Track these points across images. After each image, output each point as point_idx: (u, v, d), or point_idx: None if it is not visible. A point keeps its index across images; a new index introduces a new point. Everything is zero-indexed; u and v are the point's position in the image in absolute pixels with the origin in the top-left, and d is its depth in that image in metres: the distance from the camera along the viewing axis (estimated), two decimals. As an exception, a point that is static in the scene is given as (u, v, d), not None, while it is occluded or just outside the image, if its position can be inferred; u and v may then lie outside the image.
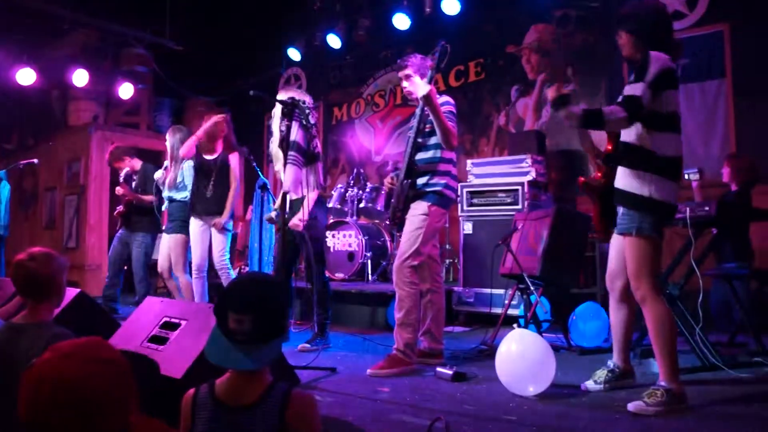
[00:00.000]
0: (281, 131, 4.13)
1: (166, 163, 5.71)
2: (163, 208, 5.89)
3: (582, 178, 3.34)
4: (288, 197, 3.95)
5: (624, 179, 2.98)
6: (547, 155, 6.59)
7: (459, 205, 6.16)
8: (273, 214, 4.42)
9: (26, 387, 1.36)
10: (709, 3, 6.13)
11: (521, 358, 3.08)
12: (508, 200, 5.77)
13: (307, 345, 4.52)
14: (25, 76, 8.02)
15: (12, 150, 9.76)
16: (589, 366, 3.80)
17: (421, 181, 3.93)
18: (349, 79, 9.25)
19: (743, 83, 5.92)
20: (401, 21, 7.85)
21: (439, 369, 3.61)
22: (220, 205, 5.25)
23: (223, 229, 5.22)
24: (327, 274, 7.28)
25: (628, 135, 3.01)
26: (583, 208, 6.19)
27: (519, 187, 5.71)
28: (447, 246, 7.16)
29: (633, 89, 2.83)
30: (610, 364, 3.30)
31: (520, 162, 5.87)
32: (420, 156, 3.96)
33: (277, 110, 4.31)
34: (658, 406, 2.78)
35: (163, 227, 6.16)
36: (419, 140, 3.95)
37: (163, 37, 8.78)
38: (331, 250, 7.45)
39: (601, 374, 3.27)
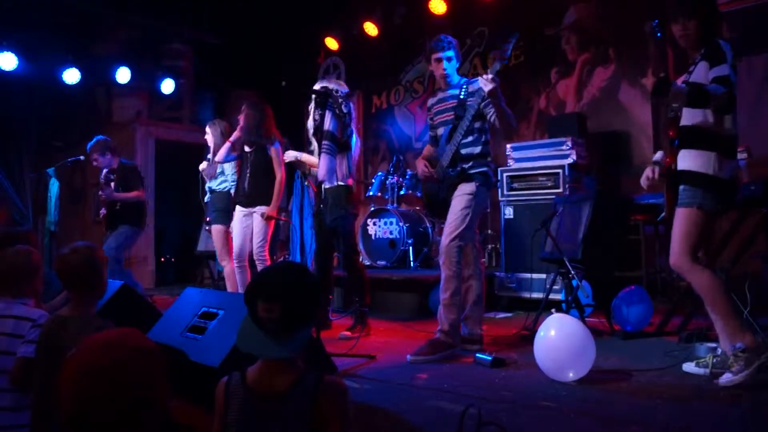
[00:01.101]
0: (315, 120, 4.15)
1: (209, 156, 5.79)
2: (206, 199, 5.97)
3: (661, 171, 3.29)
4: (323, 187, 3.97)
5: (688, 160, 3.01)
6: (588, 137, 6.47)
7: (499, 190, 6.10)
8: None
9: (64, 376, 1.40)
10: (758, -26, 5.89)
11: (560, 343, 3.04)
12: (549, 184, 5.68)
13: (347, 333, 4.55)
14: (71, 75, 8.24)
15: (60, 147, 10.01)
16: (634, 351, 3.75)
17: (465, 166, 3.93)
18: (387, 66, 9.21)
19: (794, 57, 5.69)
20: (437, 6, 7.77)
21: (478, 355, 3.59)
22: (257, 195, 5.27)
23: (267, 218, 5.22)
24: (368, 261, 7.39)
25: (692, 118, 3.04)
26: (627, 190, 6.08)
27: (559, 171, 5.62)
28: (489, 231, 7.11)
29: (721, 70, 2.89)
30: (718, 348, 3.10)
31: (560, 145, 5.78)
32: (463, 142, 3.94)
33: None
34: (742, 370, 2.78)
35: (207, 219, 6.26)
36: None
37: (203, 30, 8.89)
38: (373, 237, 7.47)
39: (708, 360, 3.07)
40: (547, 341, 3.09)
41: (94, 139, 6.14)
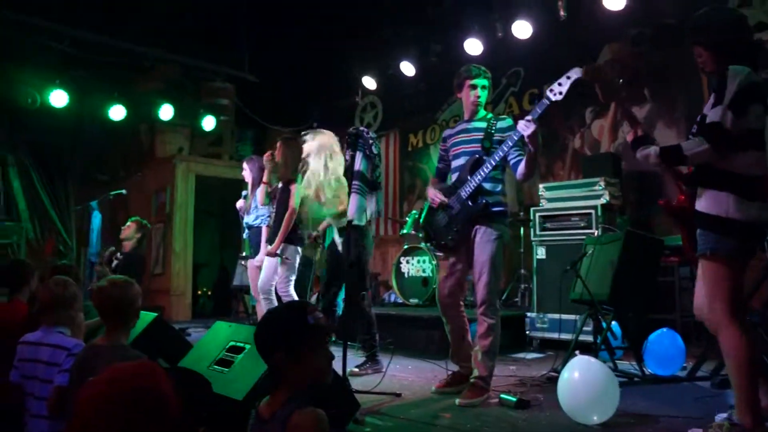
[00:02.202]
0: (346, 160, 4.25)
1: (245, 192, 5.93)
2: (244, 236, 6.08)
3: (662, 201, 3.20)
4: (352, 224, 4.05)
5: (702, 200, 2.79)
6: (623, 177, 6.44)
7: (532, 230, 6.09)
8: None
9: (77, 404, 1.47)
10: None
11: (584, 385, 3.02)
12: (582, 224, 5.66)
13: (356, 369, 4.60)
14: (117, 112, 8.58)
15: (105, 181, 10.39)
16: (662, 396, 3.69)
17: (487, 200, 3.84)
18: (423, 105, 9.33)
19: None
20: (473, 46, 7.86)
21: (503, 396, 3.57)
22: (274, 234, 5.37)
23: (274, 256, 5.29)
24: (401, 299, 7.42)
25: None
26: (662, 231, 6.02)
27: (592, 211, 5.60)
28: (522, 271, 7.08)
29: (714, 114, 2.66)
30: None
31: (593, 185, 5.76)
32: (489, 176, 3.87)
33: (310, 146, 4.54)
34: None
35: (242, 254, 6.38)
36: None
37: (242, 69, 9.17)
38: (406, 275, 7.51)
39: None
40: (570, 383, 3.07)
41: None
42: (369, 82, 9.25)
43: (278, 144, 5.50)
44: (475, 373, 3.76)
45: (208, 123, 9.28)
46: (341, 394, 2.97)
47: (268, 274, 5.33)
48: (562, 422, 3.09)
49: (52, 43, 7.53)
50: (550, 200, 6.05)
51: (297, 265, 5.36)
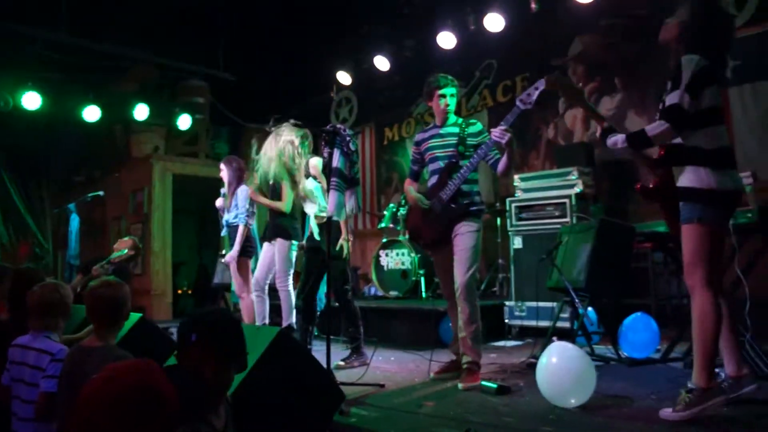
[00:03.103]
0: (324, 158, 4.32)
1: (223, 191, 5.96)
2: (222, 233, 6.10)
3: (638, 185, 3.36)
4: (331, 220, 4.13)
5: (684, 177, 3.02)
6: (597, 166, 6.57)
7: (508, 220, 6.20)
8: None
9: (78, 403, 1.52)
10: (760, 1, 5.97)
11: (561, 370, 3.12)
12: (557, 213, 5.78)
13: (341, 362, 4.68)
14: (91, 113, 8.51)
15: (81, 182, 10.30)
16: (638, 377, 3.81)
17: (466, 201, 4.08)
18: (398, 99, 9.38)
19: (799, 83, 5.76)
20: (446, 39, 7.93)
21: (484, 383, 3.67)
22: (275, 229, 5.41)
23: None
24: (381, 292, 7.51)
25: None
26: (636, 218, 6.16)
27: (566, 200, 5.72)
28: (500, 261, 7.19)
29: (672, 98, 2.92)
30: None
31: (567, 175, 5.89)
32: (467, 178, 4.09)
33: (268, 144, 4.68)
34: (684, 410, 2.81)
35: (222, 252, 6.40)
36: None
37: (218, 68, 9.16)
38: (385, 268, 7.59)
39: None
40: (548, 368, 3.17)
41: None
42: (343, 77, 9.28)
43: (253, 141, 5.58)
44: (467, 358, 3.92)
45: (184, 122, 9.25)
46: (326, 386, 3.04)
47: (262, 271, 5.40)
48: (542, 406, 3.19)
49: (25, 45, 7.47)
50: (525, 191, 6.16)
51: (294, 259, 5.41)
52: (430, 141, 4.29)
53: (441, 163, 4.18)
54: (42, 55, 7.65)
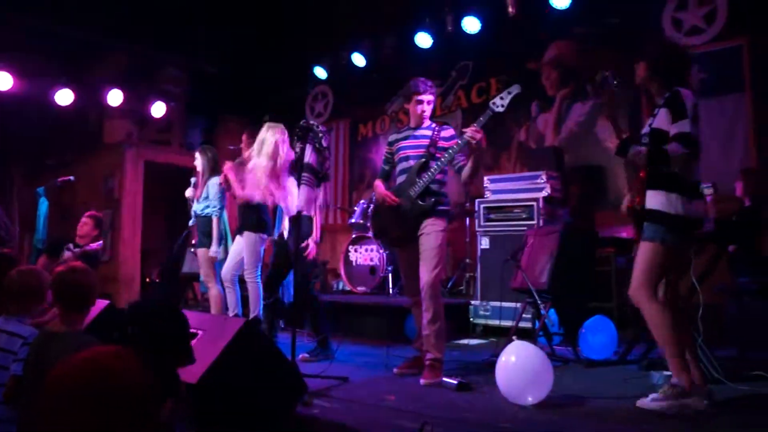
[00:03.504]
0: (295, 152, 4.37)
1: (194, 180, 5.95)
2: (190, 223, 6.10)
3: (629, 205, 3.45)
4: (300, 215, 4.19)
5: (653, 200, 3.16)
6: (566, 171, 6.70)
7: (476, 220, 6.31)
8: None
9: (47, 387, 1.55)
10: (728, 17, 6.13)
11: (519, 368, 3.22)
12: (524, 216, 5.90)
13: (307, 355, 4.77)
14: (64, 97, 8.40)
15: (52, 165, 10.15)
16: (595, 378, 3.94)
17: (434, 200, 4.16)
18: (374, 96, 9.42)
19: (763, 97, 5.93)
20: (424, 39, 8.02)
21: (445, 379, 3.76)
22: (244, 221, 5.42)
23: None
24: (349, 287, 7.58)
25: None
26: (604, 223, 6.30)
27: (534, 203, 5.84)
28: (467, 260, 7.29)
29: (682, 126, 3.06)
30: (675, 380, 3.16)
31: (536, 178, 6.01)
32: (435, 178, 4.17)
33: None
34: (661, 401, 2.97)
35: (193, 242, 6.40)
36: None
37: (197, 58, 9.12)
38: (354, 264, 7.66)
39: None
40: (506, 366, 3.27)
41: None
42: (320, 72, 9.31)
43: (243, 136, 5.59)
44: (430, 355, 4.00)
45: (158, 109, 9.18)
46: (288, 377, 3.10)
47: (231, 263, 5.42)
48: (500, 403, 3.28)
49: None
50: (494, 192, 6.28)
51: (262, 252, 5.44)
52: (403, 141, 4.37)
53: (411, 162, 4.27)
54: (14, 35, 7.55)
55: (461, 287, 7.42)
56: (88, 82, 8.68)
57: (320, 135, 4.26)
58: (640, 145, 3.21)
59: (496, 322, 5.81)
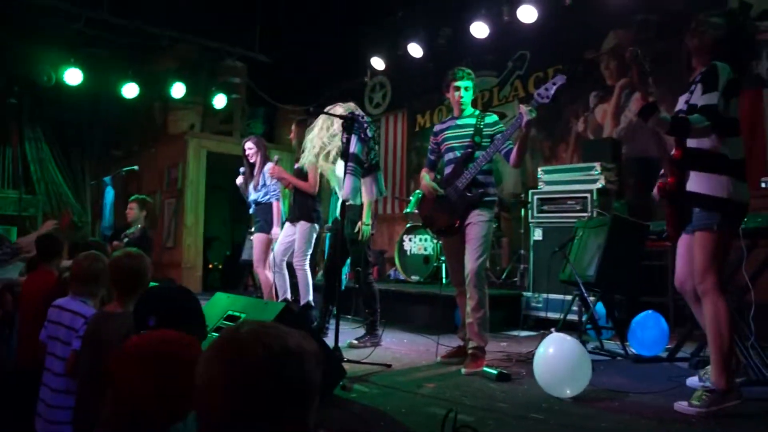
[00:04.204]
0: (342, 143, 4.44)
1: (243, 168, 6.11)
2: (251, 211, 6.25)
3: (661, 184, 3.37)
4: (346, 205, 4.27)
5: (700, 183, 3.06)
6: (623, 162, 6.56)
7: (530, 212, 6.26)
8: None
9: (122, 360, 1.67)
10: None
11: (557, 361, 3.21)
12: (577, 207, 5.81)
13: (355, 341, 4.83)
14: (130, 90, 8.78)
15: (119, 156, 10.63)
16: (640, 374, 3.87)
17: (481, 191, 4.17)
18: (431, 86, 9.41)
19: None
20: (479, 29, 7.97)
21: (485, 369, 3.78)
22: (298, 211, 5.55)
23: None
24: (403, 276, 7.63)
25: (698, 141, 3.09)
26: (662, 215, 6.13)
27: (588, 195, 5.75)
28: (522, 251, 7.23)
29: (710, 98, 2.96)
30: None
31: (590, 170, 5.90)
32: (482, 168, 4.17)
33: (318, 122, 4.70)
34: (700, 407, 2.88)
35: (251, 229, 6.58)
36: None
37: (253, 50, 9.34)
38: (408, 253, 7.71)
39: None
40: (544, 359, 3.26)
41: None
42: (377, 63, 9.37)
43: (293, 126, 5.73)
44: (473, 344, 4.03)
45: (219, 101, 9.46)
46: (327, 363, 3.18)
47: (280, 249, 5.57)
48: (537, 395, 3.27)
49: (68, 23, 7.75)
50: (548, 183, 6.20)
51: (313, 240, 5.56)
52: (447, 131, 4.39)
53: (457, 153, 4.29)
54: (84, 32, 7.92)
55: (515, 278, 7.37)
56: (152, 75, 9.01)
57: (365, 125, 4.32)
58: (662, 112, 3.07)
59: (549, 315, 5.76)
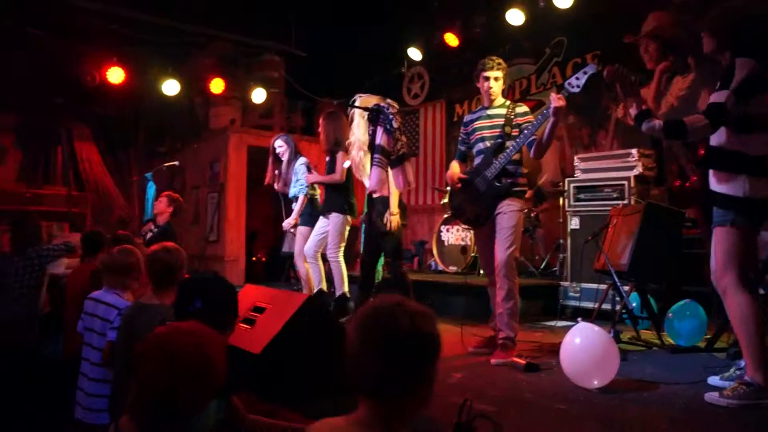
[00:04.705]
0: (369, 135, 4.47)
1: (276, 167, 6.22)
2: (293, 206, 6.33)
3: (677, 182, 3.36)
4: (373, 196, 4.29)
5: (717, 182, 3.03)
6: (664, 148, 6.40)
7: (566, 200, 6.17)
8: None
9: (145, 350, 1.74)
10: None
11: (583, 351, 3.17)
12: (615, 195, 5.69)
13: None
14: (170, 87, 8.98)
15: (164, 153, 10.88)
16: (674, 364, 3.79)
17: (510, 180, 4.16)
18: (468, 75, 9.31)
19: None
20: (515, 16, 7.87)
21: (514, 359, 3.76)
22: (329, 203, 5.63)
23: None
24: (441, 266, 7.63)
25: (717, 139, 3.05)
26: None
27: (625, 182, 5.63)
28: (561, 240, 7.14)
29: (718, 96, 2.91)
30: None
31: (627, 156, 5.78)
32: (513, 159, 4.15)
33: (356, 116, 4.69)
34: (733, 399, 2.81)
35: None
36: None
37: (289, 44, 9.42)
38: (446, 243, 7.70)
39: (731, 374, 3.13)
40: (571, 349, 3.22)
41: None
42: (414, 53, 9.34)
43: (320, 119, 5.78)
44: (503, 334, 4.02)
45: (258, 95, 9.58)
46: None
47: (314, 241, 5.65)
48: (564, 385, 3.24)
49: (108, 24, 7.99)
50: (584, 171, 6.10)
51: (346, 232, 5.63)
52: (477, 122, 4.37)
53: (487, 143, 4.27)
54: (123, 32, 8.14)
55: (555, 268, 7.28)
56: (193, 72, 9.19)
57: (390, 117, 4.33)
58: (654, 119, 3.09)
59: (585, 304, 5.69)
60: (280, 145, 6.18)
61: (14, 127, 10.32)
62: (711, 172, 3.06)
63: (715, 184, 3.03)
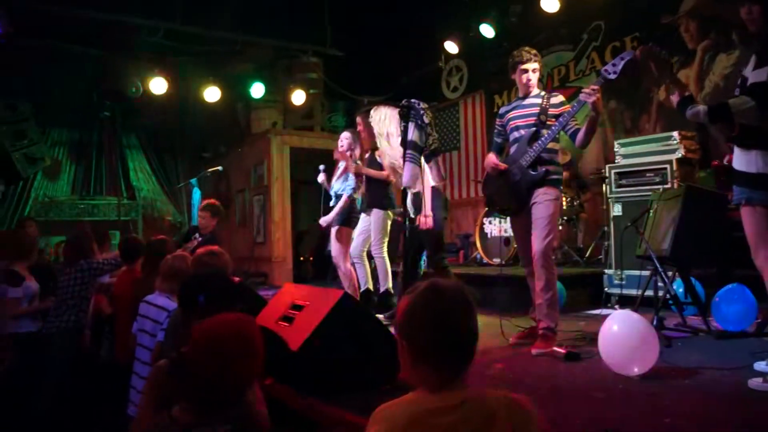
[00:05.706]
0: (401, 131, 4.50)
1: (323, 166, 6.24)
2: (331, 203, 6.41)
3: (715, 162, 3.30)
4: (408, 192, 4.33)
5: (737, 159, 2.99)
6: (709, 129, 6.23)
7: (608, 187, 6.08)
8: None
9: (192, 342, 1.87)
10: None
11: (622, 338, 3.14)
12: (657, 180, 5.59)
13: None
14: (212, 94, 9.20)
15: (209, 158, 11.15)
16: (720, 350, 3.72)
17: (546, 169, 4.13)
18: (506, 66, 9.24)
19: None
20: (550, 3, 7.78)
21: (555, 348, 3.75)
22: (371, 200, 5.68)
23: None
24: (485, 259, 7.61)
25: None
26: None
27: (667, 166, 5.52)
28: (605, 228, 7.04)
29: (759, 75, 2.84)
30: None
31: (668, 139, 5.67)
32: (548, 147, 4.15)
33: (384, 114, 4.75)
34: None
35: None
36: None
37: (325, 45, 9.52)
38: (489, 235, 7.68)
39: None
40: (610, 336, 3.20)
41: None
42: (451, 47, 9.31)
43: (358, 118, 5.84)
44: (543, 324, 4.01)
45: (298, 97, 9.72)
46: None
47: (359, 240, 5.71)
48: (604, 374, 3.21)
49: (148, 37, 8.25)
50: (625, 156, 6.00)
51: (388, 227, 5.67)
52: (513, 112, 4.38)
53: (522, 131, 4.26)
54: (163, 43, 8.37)
55: (600, 256, 7.19)
56: (232, 78, 9.39)
57: (421, 112, 4.36)
58: (697, 104, 3.03)
59: (630, 292, 5.59)
60: (346, 137, 6.05)
61: (66, 141, 10.74)
62: (734, 150, 3.02)
63: (735, 163, 3.00)
